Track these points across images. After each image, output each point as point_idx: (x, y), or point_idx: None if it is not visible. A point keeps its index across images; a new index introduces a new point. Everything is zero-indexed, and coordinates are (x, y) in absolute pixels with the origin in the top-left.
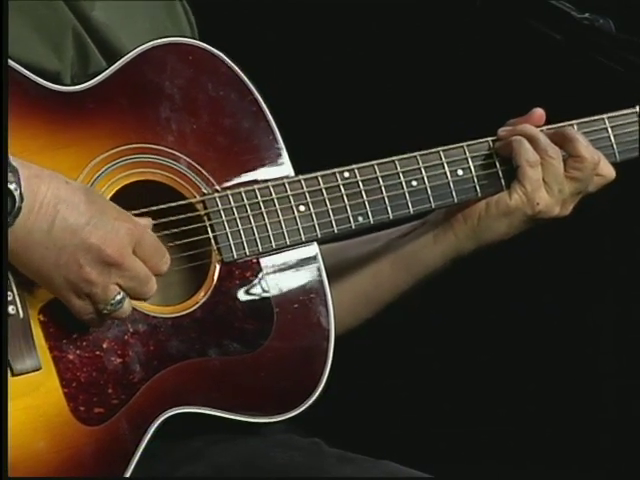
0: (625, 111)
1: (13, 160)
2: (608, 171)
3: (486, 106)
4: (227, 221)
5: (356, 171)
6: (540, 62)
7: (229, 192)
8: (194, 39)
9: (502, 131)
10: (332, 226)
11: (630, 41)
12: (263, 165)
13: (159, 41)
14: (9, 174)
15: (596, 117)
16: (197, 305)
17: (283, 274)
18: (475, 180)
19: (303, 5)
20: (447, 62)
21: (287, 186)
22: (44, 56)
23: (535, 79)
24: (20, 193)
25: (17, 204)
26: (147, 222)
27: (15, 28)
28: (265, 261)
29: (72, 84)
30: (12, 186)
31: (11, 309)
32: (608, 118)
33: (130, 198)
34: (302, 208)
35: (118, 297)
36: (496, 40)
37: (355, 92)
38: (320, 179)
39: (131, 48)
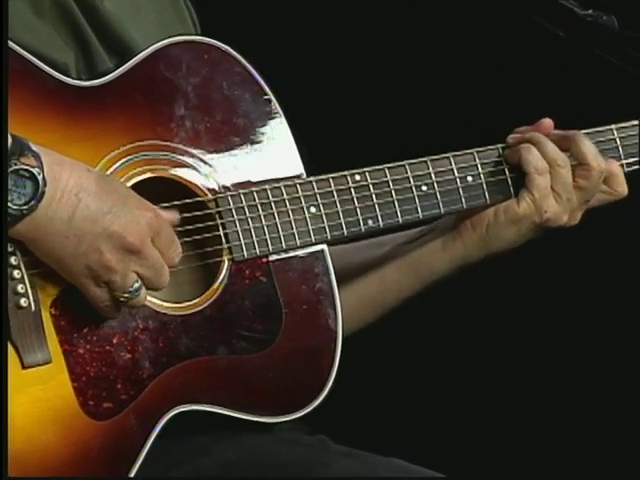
0: (633, 122)
1: (34, 146)
2: (622, 188)
3: (495, 108)
4: (238, 220)
5: (367, 174)
6: (547, 62)
7: (241, 191)
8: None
9: (511, 138)
10: (342, 228)
11: (634, 38)
12: (275, 165)
13: (176, 39)
14: (32, 159)
15: (604, 127)
16: (207, 303)
17: (292, 275)
18: (484, 186)
19: (317, 10)
20: (457, 67)
21: (298, 187)
22: (54, 48)
23: (542, 80)
24: (43, 177)
25: (40, 188)
26: (173, 216)
27: (27, 17)
28: (275, 261)
29: (77, 78)
30: (35, 170)
31: (23, 302)
32: (617, 129)
33: (143, 194)
34: (313, 209)
35: (136, 285)
36: (501, 40)
37: (368, 96)
38: (331, 181)
39: (138, 40)
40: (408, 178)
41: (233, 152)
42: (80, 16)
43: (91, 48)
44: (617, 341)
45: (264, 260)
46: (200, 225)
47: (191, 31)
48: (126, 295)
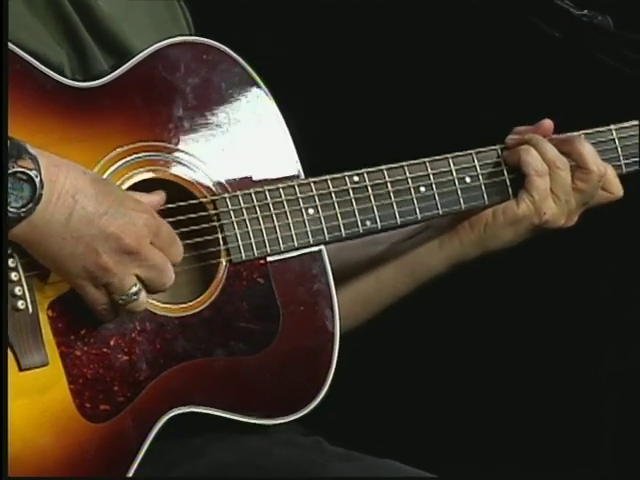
0: (632, 122)
1: (32, 149)
2: (617, 190)
3: (493, 109)
4: (236, 222)
5: (365, 175)
6: (545, 62)
7: (239, 193)
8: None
9: (510, 139)
10: (340, 230)
11: (629, 39)
12: (273, 167)
13: (174, 39)
14: (29, 162)
15: (603, 128)
16: (204, 305)
17: (290, 276)
18: (483, 188)
19: (314, 10)
20: (456, 68)
21: (297, 189)
22: (48, 46)
23: (540, 80)
24: (40, 180)
25: (38, 191)
26: (157, 198)
27: (21, 15)
28: (273, 263)
29: (72, 78)
30: (32, 173)
31: (20, 304)
32: (616, 129)
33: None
34: (311, 211)
35: (134, 288)
36: (499, 41)
37: (367, 96)
38: (330, 182)
39: (132, 39)
40: (407, 179)
41: (231, 153)
42: (74, 14)
43: (85, 47)
44: (612, 333)
45: (262, 262)
46: (198, 227)
47: (184, 31)
48: (124, 297)
